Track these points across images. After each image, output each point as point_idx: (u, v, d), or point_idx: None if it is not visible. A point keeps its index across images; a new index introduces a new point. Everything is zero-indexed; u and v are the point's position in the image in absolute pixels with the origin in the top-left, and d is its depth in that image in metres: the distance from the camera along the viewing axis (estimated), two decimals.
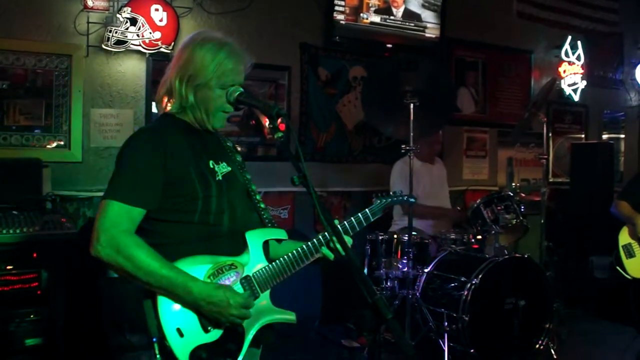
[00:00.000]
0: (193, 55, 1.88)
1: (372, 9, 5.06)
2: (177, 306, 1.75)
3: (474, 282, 3.62)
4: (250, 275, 1.86)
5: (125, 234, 1.72)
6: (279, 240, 2.00)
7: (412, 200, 2.41)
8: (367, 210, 2.12)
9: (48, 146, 3.98)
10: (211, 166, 1.90)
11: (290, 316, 1.92)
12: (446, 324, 3.61)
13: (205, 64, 1.86)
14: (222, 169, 1.93)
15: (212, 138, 2.00)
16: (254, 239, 1.91)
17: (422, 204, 4.35)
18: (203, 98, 1.88)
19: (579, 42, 6.49)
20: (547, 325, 3.89)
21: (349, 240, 1.97)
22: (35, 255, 3.07)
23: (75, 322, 3.30)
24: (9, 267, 3.02)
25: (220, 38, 1.93)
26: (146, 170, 1.78)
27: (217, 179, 1.89)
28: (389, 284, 3.91)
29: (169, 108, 1.94)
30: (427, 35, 5.36)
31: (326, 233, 1.92)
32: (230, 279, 1.82)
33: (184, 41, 1.96)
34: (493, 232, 4.06)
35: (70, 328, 3.22)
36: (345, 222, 2.05)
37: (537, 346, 3.85)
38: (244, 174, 2.05)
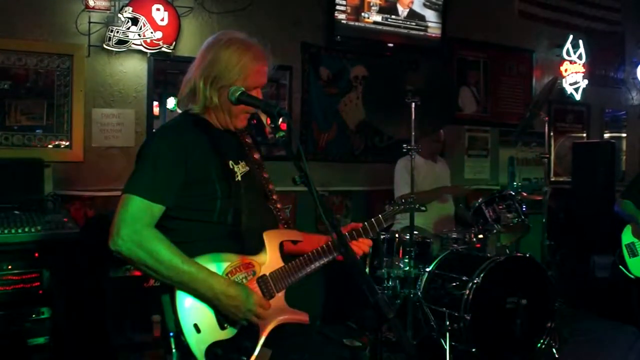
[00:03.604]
0: (218, 57, 1.89)
1: (374, 8, 5.06)
2: (195, 302, 1.77)
3: (475, 281, 3.61)
4: (267, 275, 1.87)
5: (146, 228, 1.73)
6: (294, 242, 2.01)
7: (423, 209, 2.43)
8: (380, 216, 2.16)
9: (50, 146, 3.98)
10: (231, 166, 1.92)
11: (303, 317, 1.94)
12: (448, 323, 3.61)
13: (231, 66, 1.88)
14: (241, 169, 1.95)
15: (232, 138, 2.01)
16: (271, 239, 1.93)
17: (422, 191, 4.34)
18: (227, 99, 1.88)
19: (580, 41, 6.49)
20: (549, 325, 3.88)
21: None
22: (36, 255, 3.07)
23: (77, 322, 3.30)
24: (10, 267, 3.02)
25: (245, 39, 1.95)
26: (167, 167, 1.80)
27: (236, 179, 1.91)
28: (390, 283, 3.90)
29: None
30: (428, 34, 5.36)
31: (347, 234, 1.97)
32: (246, 277, 1.83)
33: (208, 41, 1.96)
34: (495, 231, 4.06)
35: (72, 328, 3.22)
36: (360, 227, 2.09)
37: (539, 345, 3.84)
38: (261, 173, 2.07)
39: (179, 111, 2.01)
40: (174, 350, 1.75)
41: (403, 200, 2.34)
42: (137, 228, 1.71)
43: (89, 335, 3.40)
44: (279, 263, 1.92)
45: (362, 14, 5.02)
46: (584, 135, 6.85)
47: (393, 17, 5.16)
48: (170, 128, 1.98)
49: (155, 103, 4.35)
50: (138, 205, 1.74)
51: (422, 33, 5.33)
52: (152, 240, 1.72)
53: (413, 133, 3.72)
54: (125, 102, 4.22)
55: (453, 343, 3.63)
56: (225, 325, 1.79)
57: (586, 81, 6.53)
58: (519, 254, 3.94)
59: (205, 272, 1.75)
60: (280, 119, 1.76)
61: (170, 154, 1.81)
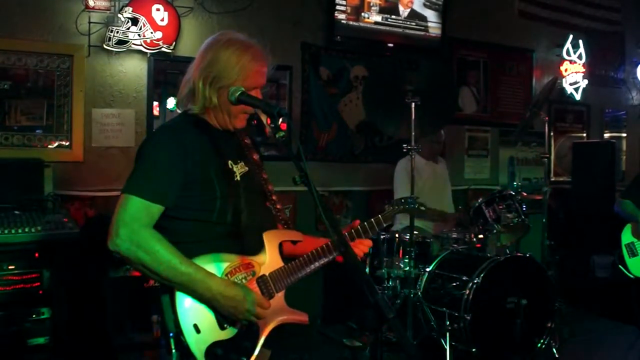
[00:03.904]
0: (217, 57, 1.89)
1: (374, 8, 5.06)
2: (194, 302, 1.77)
3: (475, 281, 3.61)
4: (267, 275, 1.88)
5: (145, 229, 1.73)
6: (294, 242, 2.01)
7: (423, 208, 2.43)
8: (379, 216, 2.15)
9: (50, 146, 3.98)
10: (230, 166, 1.92)
11: (303, 317, 1.93)
12: (448, 323, 3.61)
13: (230, 66, 1.88)
14: (240, 169, 1.94)
15: (232, 138, 2.01)
16: (271, 239, 1.93)
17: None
18: (226, 100, 1.88)
19: (580, 41, 6.48)
20: (549, 325, 3.89)
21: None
22: (37, 255, 3.08)
23: (77, 322, 3.30)
24: (10, 267, 3.02)
25: (245, 40, 1.95)
26: (166, 167, 1.80)
27: (235, 179, 1.91)
28: (390, 283, 3.91)
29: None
30: (428, 34, 5.36)
31: (346, 234, 1.97)
32: (246, 278, 1.84)
33: (207, 42, 1.96)
34: (495, 231, 4.05)
35: (72, 328, 3.22)
36: (358, 226, 2.08)
37: (539, 345, 3.85)
38: (260, 173, 2.07)
39: (179, 111, 2.01)
40: (173, 351, 1.75)
41: (403, 200, 2.34)
42: (136, 228, 1.71)
43: (89, 335, 3.41)
44: (279, 263, 1.92)
45: (362, 14, 5.02)
46: (584, 135, 6.85)
47: (393, 17, 5.16)
48: (169, 128, 1.97)
49: (155, 103, 4.35)
50: (137, 206, 1.74)
51: (422, 33, 5.33)
52: (150, 241, 1.72)
53: (413, 133, 3.73)
54: (125, 102, 4.22)
55: (453, 343, 3.64)
56: (225, 325, 1.79)
57: (586, 81, 6.53)
58: (519, 254, 3.94)
59: (203, 273, 1.75)
60: (280, 119, 1.76)
61: (169, 153, 1.81)
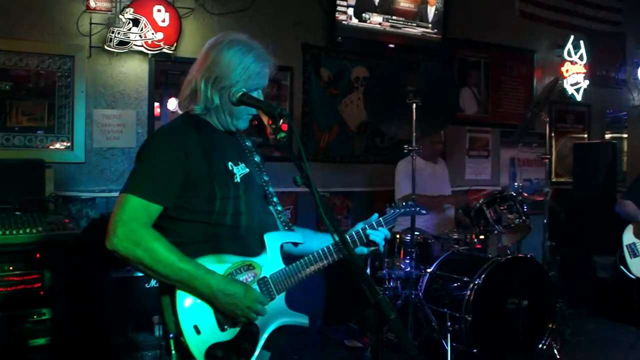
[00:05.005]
0: (219, 58, 1.89)
1: (374, 9, 5.06)
2: (195, 303, 1.76)
3: (476, 282, 3.61)
4: (267, 277, 1.88)
5: (143, 227, 1.73)
6: (295, 244, 2.01)
7: (423, 212, 2.43)
8: (380, 219, 2.15)
9: (51, 147, 3.99)
10: (230, 168, 1.91)
11: (303, 319, 1.93)
12: (449, 324, 3.61)
13: (232, 67, 1.88)
14: (241, 170, 1.94)
15: (232, 139, 2.01)
16: (272, 241, 1.93)
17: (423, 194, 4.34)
18: (228, 100, 1.89)
19: (581, 42, 6.48)
20: (550, 325, 3.88)
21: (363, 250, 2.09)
22: (38, 256, 3.08)
23: (78, 323, 3.30)
24: (11, 268, 3.02)
25: (247, 41, 1.95)
26: (166, 167, 1.79)
27: (235, 180, 1.90)
28: (391, 284, 3.91)
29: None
30: (429, 35, 5.36)
31: (347, 236, 1.97)
32: (247, 279, 1.83)
33: (210, 42, 1.96)
34: (496, 232, 4.06)
35: (73, 328, 3.22)
36: (360, 230, 2.08)
37: (540, 346, 3.85)
38: (261, 175, 2.07)
39: (180, 112, 2.01)
40: (173, 352, 1.74)
41: (404, 203, 2.33)
42: (134, 227, 1.71)
43: (89, 335, 3.41)
44: (280, 265, 1.92)
45: (363, 14, 5.02)
46: (585, 135, 6.85)
47: (394, 17, 5.16)
48: (170, 128, 1.97)
49: (157, 104, 4.35)
50: (135, 205, 1.74)
51: (422, 33, 5.33)
52: (148, 239, 1.72)
53: (414, 134, 3.73)
54: (127, 103, 4.22)
55: (454, 344, 3.64)
56: (225, 327, 1.79)
57: (587, 82, 6.52)
58: (520, 255, 3.94)
59: (203, 269, 1.75)
60: (281, 120, 1.75)
61: (169, 154, 1.81)
